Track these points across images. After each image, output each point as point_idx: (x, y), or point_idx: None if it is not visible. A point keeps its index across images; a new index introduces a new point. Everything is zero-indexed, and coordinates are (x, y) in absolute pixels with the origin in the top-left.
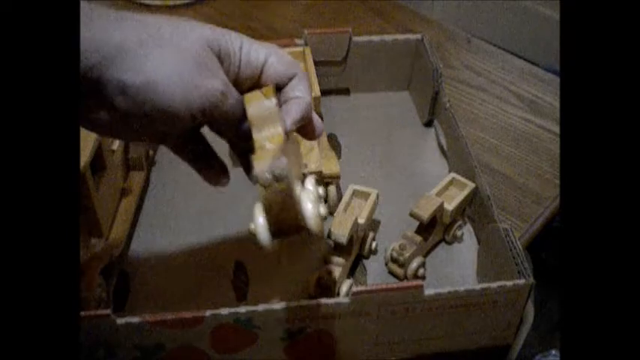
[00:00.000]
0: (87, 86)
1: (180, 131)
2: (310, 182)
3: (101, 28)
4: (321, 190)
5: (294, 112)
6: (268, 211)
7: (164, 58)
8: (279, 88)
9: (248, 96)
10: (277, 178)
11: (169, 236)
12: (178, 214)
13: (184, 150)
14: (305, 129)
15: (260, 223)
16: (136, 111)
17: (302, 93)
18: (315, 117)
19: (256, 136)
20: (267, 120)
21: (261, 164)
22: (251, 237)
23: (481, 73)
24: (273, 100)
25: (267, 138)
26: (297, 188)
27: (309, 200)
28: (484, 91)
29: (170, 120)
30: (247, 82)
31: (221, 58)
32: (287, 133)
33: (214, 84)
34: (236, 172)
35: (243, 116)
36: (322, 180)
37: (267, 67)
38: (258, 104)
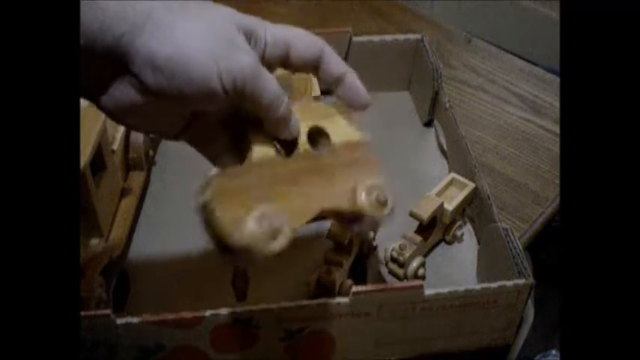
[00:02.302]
0: (117, 59)
1: (210, 108)
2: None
3: None
4: None
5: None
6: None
7: (193, 29)
8: (313, 68)
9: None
10: (204, 205)
11: (169, 236)
12: (178, 214)
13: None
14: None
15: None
16: (164, 85)
17: (342, 68)
18: (358, 84)
19: None
20: None
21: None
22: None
23: (481, 73)
24: None
25: None
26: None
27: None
28: (484, 91)
29: (200, 94)
30: (274, 64)
31: (248, 37)
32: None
33: (245, 58)
34: None
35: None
36: None
37: (294, 47)
38: None
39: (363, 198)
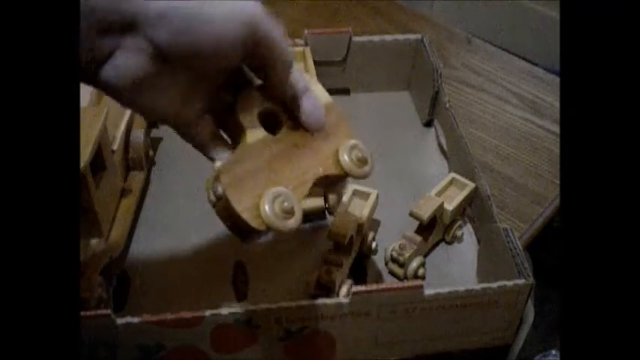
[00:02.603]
0: (124, 22)
1: (222, 64)
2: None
3: None
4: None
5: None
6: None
7: None
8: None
9: None
10: (218, 198)
11: (169, 236)
12: (178, 214)
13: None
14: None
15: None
16: (179, 41)
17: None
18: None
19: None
20: None
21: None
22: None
23: (481, 73)
24: None
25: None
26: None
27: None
28: (484, 91)
29: (218, 45)
30: None
31: None
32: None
33: (256, 3)
34: None
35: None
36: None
37: None
38: None
39: (345, 159)
